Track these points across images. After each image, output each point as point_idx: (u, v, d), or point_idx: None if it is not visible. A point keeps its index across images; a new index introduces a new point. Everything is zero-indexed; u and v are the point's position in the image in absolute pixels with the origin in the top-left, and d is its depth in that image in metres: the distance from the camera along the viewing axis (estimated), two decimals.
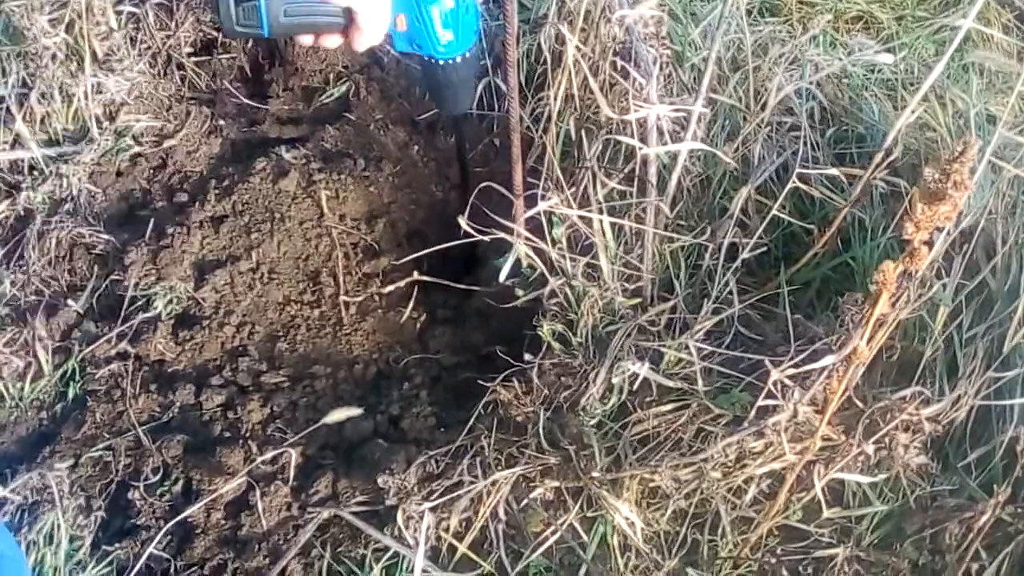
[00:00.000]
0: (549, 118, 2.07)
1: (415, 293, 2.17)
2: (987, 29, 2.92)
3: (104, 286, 2.13)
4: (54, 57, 2.22)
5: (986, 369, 1.79)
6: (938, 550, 1.71)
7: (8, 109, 2.26)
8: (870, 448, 1.64)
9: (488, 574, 1.76)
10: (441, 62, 1.72)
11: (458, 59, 1.72)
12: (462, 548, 1.75)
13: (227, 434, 1.94)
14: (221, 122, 2.45)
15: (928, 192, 1.19)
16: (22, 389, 1.98)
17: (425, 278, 2.07)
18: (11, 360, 2.00)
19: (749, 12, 2.93)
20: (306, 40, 1.63)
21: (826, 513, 1.70)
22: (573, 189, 1.95)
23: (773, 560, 1.78)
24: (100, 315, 2.10)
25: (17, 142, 2.26)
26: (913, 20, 3.22)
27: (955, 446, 1.84)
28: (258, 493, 1.82)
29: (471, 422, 1.89)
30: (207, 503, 1.82)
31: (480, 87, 2.38)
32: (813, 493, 1.66)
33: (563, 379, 1.89)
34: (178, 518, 1.78)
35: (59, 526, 1.79)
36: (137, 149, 2.34)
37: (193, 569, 1.78)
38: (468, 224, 1.82)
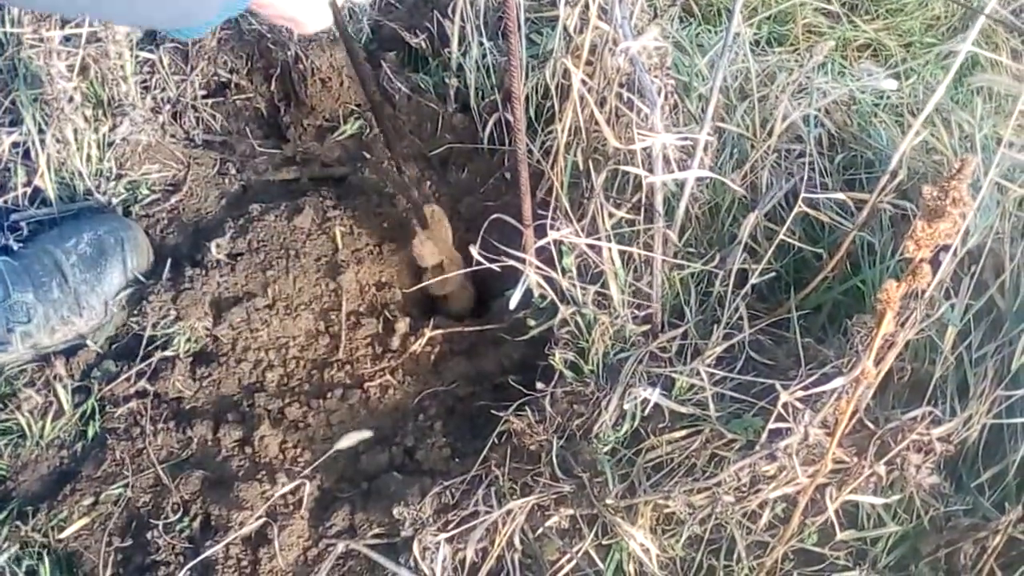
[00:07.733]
0: (558, 151, 2.10)
1: (430, 325, 2.19)
2: (994, 55, 2.93)
3: (123, 325, 2.16)
4: (71, 100, 2.25)
5: (996, 388, 1.78)
6: (953, 570, 1.71)
7: (26, 154, 2.30)
8: (882, 469, 1.64)
9: None
10: None
11: None
12: None
13: (244, 469, 1.96)
14: (236, 162, 2.49)
15: (928, 210, 1.19)
16: (43, 428, 2.01)
17: (440, 325, 2.10)
18: (32, 399, 2.02)
19: (757, 43, 2.96)
20: None
21: (840, 536, 1.70)
22: (583, 220, 1.96)
23: None
24: (119, 354, 2.13)
25: (36, 190, 2.30)
26: (921, 46, 3.25)
27: (968, 466, 1.83)
28: (275, 528, 1.83)
29: (485, 452, 1.91)
30: (226, 539, 1.83)
31: None
32: (827, 516, 1.66)
33: (575, 407, 1.90)
34: (200, 558, 1.79)
35: None
36: (153, 192, 2.37)
37: None
38: (480, 253, 1.84)
